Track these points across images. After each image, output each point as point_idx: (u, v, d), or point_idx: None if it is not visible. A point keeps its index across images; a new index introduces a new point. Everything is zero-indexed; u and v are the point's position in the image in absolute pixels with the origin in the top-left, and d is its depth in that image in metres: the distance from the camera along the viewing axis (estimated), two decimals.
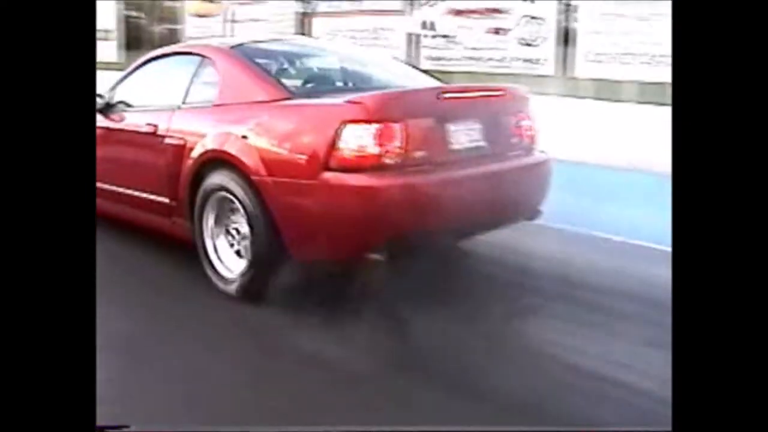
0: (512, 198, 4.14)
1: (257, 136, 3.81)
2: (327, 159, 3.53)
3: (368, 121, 3.51)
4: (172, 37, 18.06)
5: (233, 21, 16.17)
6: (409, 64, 6.21)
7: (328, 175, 3.52)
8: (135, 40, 22.62)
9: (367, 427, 2.55)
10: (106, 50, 17.53)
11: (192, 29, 17.46)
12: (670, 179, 1.84)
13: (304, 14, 15.21)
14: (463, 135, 3.95)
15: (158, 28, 19.11)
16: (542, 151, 4.49)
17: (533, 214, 4.40)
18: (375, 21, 13.95)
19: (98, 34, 19.73)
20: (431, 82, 4.83)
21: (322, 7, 14.38)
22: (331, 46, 6.82)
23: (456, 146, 3.88)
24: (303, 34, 14.40)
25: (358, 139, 3.51)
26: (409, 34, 12.82)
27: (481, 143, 4.05)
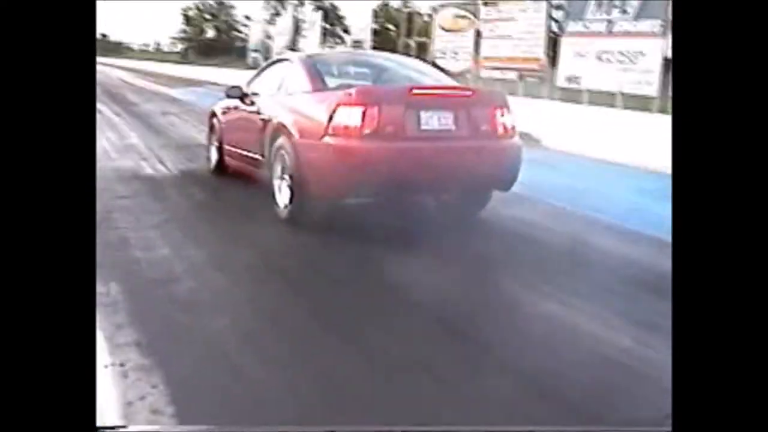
0: (474, 170, 5.76)
1: (297, 113, 6.00)
2: (326, 128, 5.48)
3: (352, 105, 5.42)
4: (421, 51, 18.57)
5: (481, 37, 16.41)
6: (439, 68, 8.64)
7: (327, 139, 5.48)
8: (387, 52, 23.61)
9: (367, 427, 2.74)
10: None
11: (440, 43, 17.80)
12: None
13: (554, 33, 15.21)
14: (435, 120, 5.61)
15: (409, 41, 19.73)
16: (514, 139, 6.02)
17: (501, 186, 6.15)
18: (627, 43, 13.57)
19: (352, 45, 21.08)
20: (445, 82, 6.84)
21: (573, 26, 14.25)
22: (376, 57, 8.75)
23: (425, 127, 5.58)
24: (552, 53, 14.36)
25: (346, 117, 5.42)
26: (666, 59, 12.31)
27: (451, 127, 5.69)
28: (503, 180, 6.04)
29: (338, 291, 4.38)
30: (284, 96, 6.51)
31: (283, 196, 5.95)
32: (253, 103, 6.98)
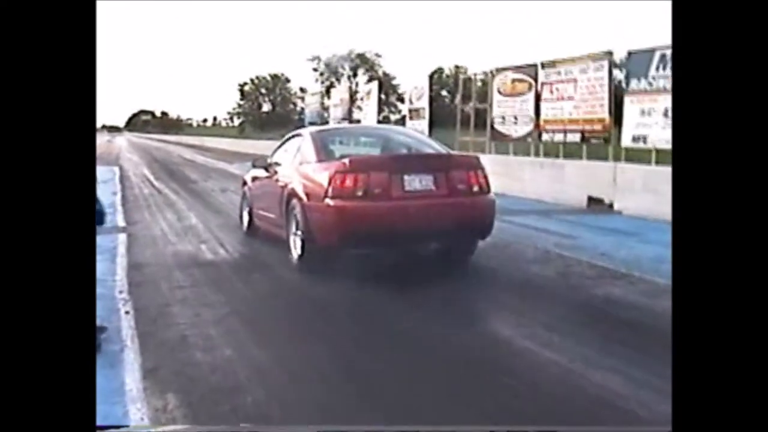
0: (453, 222, 6.84)
1: (306, 179, 7.19)
2: (326, 192, 6.65)
3: (345, 173, 6.62)
4: (479, 117, 18.67)
5: (541, 99, 16.32)
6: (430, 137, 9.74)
7: (327, 201, 6.63)
8: (444, 119, 24.14)
9: (367, 427, 2.84)
10: (419, 127, 20.33)
11: (499, 108, 17.84)
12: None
13: (617, 90, 14.98)
14: (417, 182, 6.80)
15: (465, 107, 19.94)
16: (488, 195, 7.11)
17: (479, 234, 7.28)
18: None
19: (410, 114, 21.59)
20: (436, 149, 7.90)
21: (637, 84, 14.04)
22: (375, 129, 11.38)
23: (409, 188, 6.76)
24: (615, 110, 14.15)
25: (341, 182, 6.59)
26: None
27: (431, 187, 6.86)
28: (479, 229, 7.19)
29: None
30: (297, 165, 7.61)
31: (297, 249, 7.12)
32: (275, 172, 8.22)
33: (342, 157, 7.24)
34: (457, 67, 68.99)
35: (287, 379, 4.15)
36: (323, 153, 7.44)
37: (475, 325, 5.23)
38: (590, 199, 12.94)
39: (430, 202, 6.76)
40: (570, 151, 15.78)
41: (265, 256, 8.04)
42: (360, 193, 6.55)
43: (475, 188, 6.97)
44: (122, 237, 9.28)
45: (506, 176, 15.74)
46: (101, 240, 8.75)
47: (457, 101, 22.08)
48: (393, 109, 65.10)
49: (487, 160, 16.90)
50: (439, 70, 66.13)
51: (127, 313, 5.47)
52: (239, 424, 3.43)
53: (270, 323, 5.57)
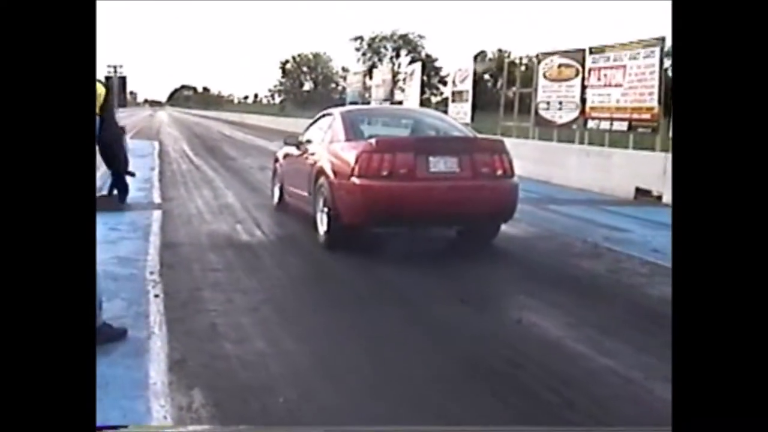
0: (476, 205, 6.92)
1: (334, 158, 7.28)
2: (353, 171, 6.74)
3: (372, 152, 6.72)
4: (523, 102, 18.45)
5: (588, 86, 16.01)
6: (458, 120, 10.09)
7: (354, 179, 6.73)
8: (487, 103, 24.00)
9: (368, 427, 2.79)
10: (462, 110, 20.88)
11: (544, 94, 17.58)
12: None
13: (668, 79, 14.55)
14: (441, 164, 6.83)
15: (509, 92, 19.74)
16: (512, 179, 7.17)
17: (501, 218, 7.35)
18: None
19: (456, 96, 21.47)
20: (464, 132, 8.27)
21: None
22: (407, 111, 11.71)
23: (434, 169, 6.80)
24: (665, 99, 13.77)
25: (367, 162, 6.68)
26: None
27: (456, 169, 6.89)
28: (502, 213, 7.26)
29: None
30: (327, 144, 7.69)
31: (323, 226, 7.20)
32: (305, 150, 8.37)
33: (370, 137, 7.28)
34: (500, 50, 68.09)
35: (325, 381, 3.85)
36: (352, 132, 7.52)
37: (520, 324, 4.89)
38: (638, 190, 12.46)
39: (454, 184, 6.84)
40: (614, 140, 15.33)
41: (301, 236, 7.83)
42: (385, 173, 6.66)
43: (499, 172, 7.02)
44: (157, 214, 9.08)
45: (550, 164, 15.31)
46: (135, 216, 8.59)
47: (500, 85, 21.67)
48: (435, 91, 64.56)
49: (530, 146, 16.63)
50: (482, 54, 65.43)
51: (156, 296, 5.22)
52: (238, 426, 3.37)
53: (309, 314, 5.25)
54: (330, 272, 6.49)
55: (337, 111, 8.50)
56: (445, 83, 69.30)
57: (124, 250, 6.78)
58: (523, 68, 19.95)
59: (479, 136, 8.89)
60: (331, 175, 7.10)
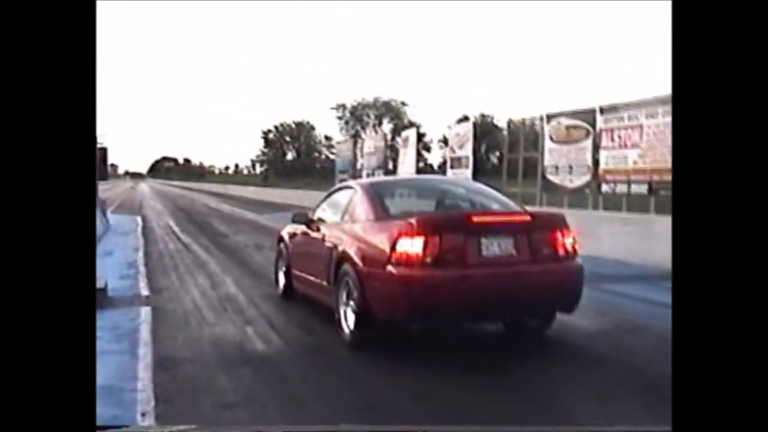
0: (537, 294, 5.89)
1: (360, 241, 6.25)
2: (389, 258, 5.71)
3: (413, 235, 5.66)
4: (528, 166, 17.59)
5: (600, 147, 15.27)
6: (495, 189, 7.97)
7: (389, 268, 5.71)
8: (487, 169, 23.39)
9: (374, 427, 2.98)
10: (463, 176, 19.85)
11: (551, 157, 16.68)
12: None
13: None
14: (495, 246, 5.81)
15: (511, 157, 18.93)
16: (576, 260, 6.10)
17: (565, 307, 6.21)
18: None
19: (455, 162, 20.50)
20: (508, 205, 6.94)
21: None
22: (431, 180, 9.79)
23: (486, 253, 5.78)
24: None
25: (408, 246, 5.65)
26: None
27: (512, 252, 5.85)
28: (566, 301, 6.14)
29: None
30: (348, 224, 6.73)
31: (349, 323, 6.15)
32: (318, 230, 7.30)
33: (404, 214, 6.21)
34: (482, 115, 67.93)
35: None
36: (381, 210, 6.48)
37: None
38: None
39: (512, 270, 5.82)
40: (632, 204, 14.53)
41: (332, 342, 6.39)
42: (430, 260, 5.58)
43: (561, 252, 6.02)
44: (146, 312, 7.63)
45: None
46: (119, 317, 7.22)
47: (504, 150, 20.93)
48: (419, 157, 64.00)
49: None
50: (465, 118, 65.00)
51: None
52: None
53: None
54: (376, 393, 5.13)
55: (356, 184, 7.55)
56: (428, 149, 69.20)
57: (104, 372, 4.89)
58: (505, 129, 19.28)
59: (536, 210, 7.97)
60: (359, 263, 6.03)
